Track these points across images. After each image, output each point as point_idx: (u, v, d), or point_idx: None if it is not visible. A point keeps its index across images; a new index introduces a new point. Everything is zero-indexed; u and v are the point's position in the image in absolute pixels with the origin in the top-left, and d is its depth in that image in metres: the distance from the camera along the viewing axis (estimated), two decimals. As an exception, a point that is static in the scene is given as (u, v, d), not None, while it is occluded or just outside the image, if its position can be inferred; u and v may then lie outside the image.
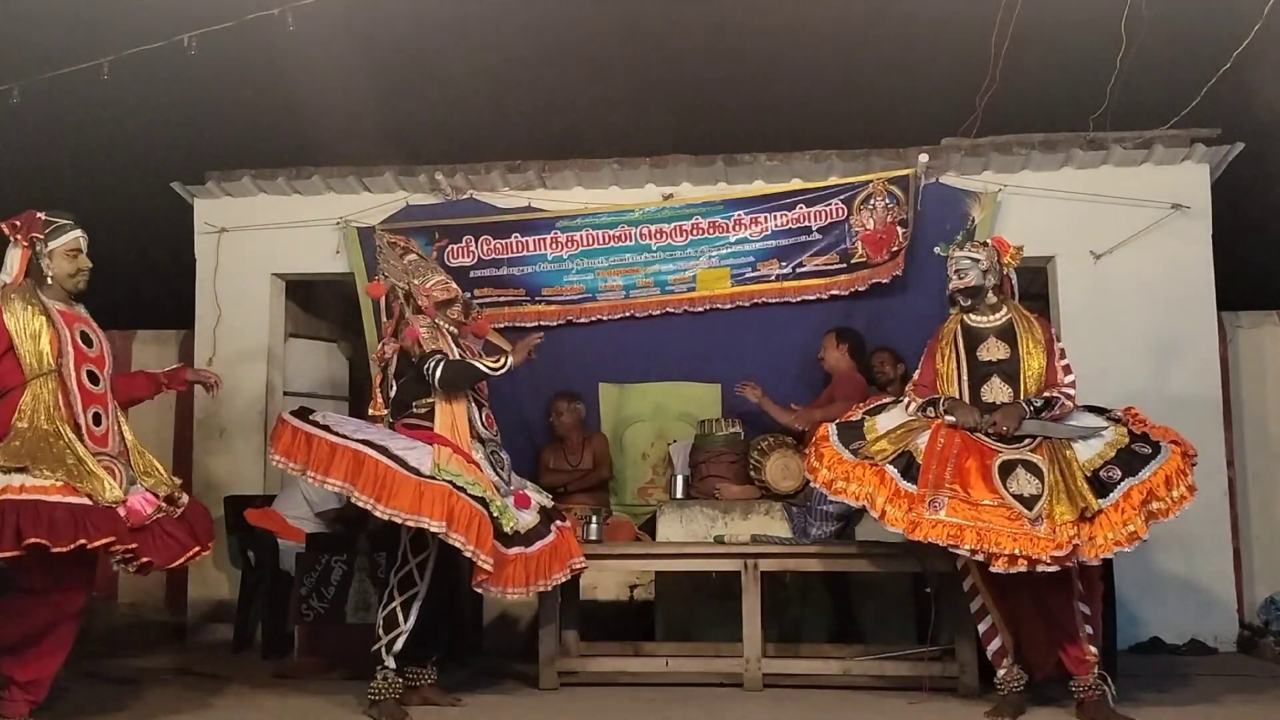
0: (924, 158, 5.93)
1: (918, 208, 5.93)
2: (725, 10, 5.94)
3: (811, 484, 4.63)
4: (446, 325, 4.28)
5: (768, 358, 6.02)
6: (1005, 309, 4.26)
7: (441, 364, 4.06)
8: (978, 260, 4.27)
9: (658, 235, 6.17)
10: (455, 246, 6.25)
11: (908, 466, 4.00)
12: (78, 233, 3.87)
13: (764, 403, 5.53)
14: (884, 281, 5.92)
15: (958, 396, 4.14)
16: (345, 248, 6.31)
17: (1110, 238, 5.93)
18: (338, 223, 6.31)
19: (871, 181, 5.98)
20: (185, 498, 3.91)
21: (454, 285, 4.42)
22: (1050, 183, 6.00)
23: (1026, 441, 3.97)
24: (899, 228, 5.91)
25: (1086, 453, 3.94)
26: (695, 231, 6.14)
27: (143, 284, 7.45)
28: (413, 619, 3.98)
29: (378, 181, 6.36)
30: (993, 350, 4.18)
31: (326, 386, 7.11)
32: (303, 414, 4.11)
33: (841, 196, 6.01)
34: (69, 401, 3.67)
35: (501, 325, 6.16)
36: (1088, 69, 5.43)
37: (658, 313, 6.17)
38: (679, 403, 6.15)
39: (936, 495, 3.83)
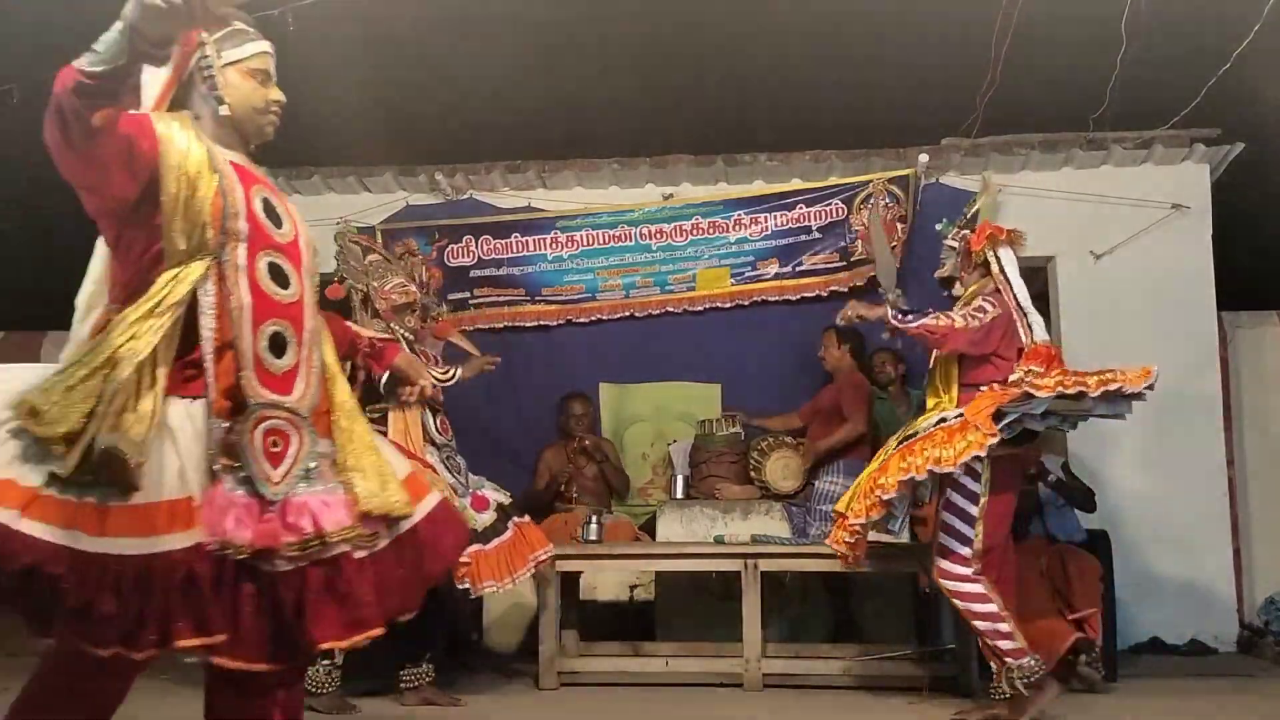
0: (924, 158, 5.93)
1: (918, 208, 5.93)
2: (725, 11, 5.94)
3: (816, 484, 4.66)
4: (402, 330, 4.28)
5: (768, 357, 6.03)
6: (967, 291, 4.17)
7: (388, 372, 4.06)
8: (954, 248, 4.22)
9: (658, 235, 6.17)
10: (455, 246, 6.25)
11: None
12: (266, 45, 2.32)
13: (753, 422, 5.59)
14: (883, 278, 5.92)
15: None
16: None
17: (1110, 238, 5.93)
18: (337, 223, 6.31)
19: (871, 181, 5.99)
20: (416, 517, 2.19)
21: (413, 289, 4.42)
22: (1050, 183, 6.00)
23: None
24: (898, 224, 5.91)
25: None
26: (695, 231, 6.14)
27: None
28: None
29: (378, 181, 6.36)
30: None
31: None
32: None
33: (841, 196, 6.02)
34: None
35: (501, 325, 6.18)
36: (1088, 69, 5.43)
37: (658, 312, 6.18)
38: (679, 403, 6.15)
39: None
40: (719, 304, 6.13)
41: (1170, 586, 5.65)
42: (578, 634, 4.86)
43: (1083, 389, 3.62)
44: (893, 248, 5.90)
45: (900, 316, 3.88)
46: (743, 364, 6.08)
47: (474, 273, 6.24)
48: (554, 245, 6.22)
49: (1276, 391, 6.30)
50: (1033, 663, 3.68)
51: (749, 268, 6.10)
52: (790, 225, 6.06)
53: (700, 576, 4.95)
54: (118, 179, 2.02)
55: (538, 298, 6.22)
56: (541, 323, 6.20)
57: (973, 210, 4.38)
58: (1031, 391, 3.65)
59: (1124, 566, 5.20)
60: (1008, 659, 3.68)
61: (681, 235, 6.15)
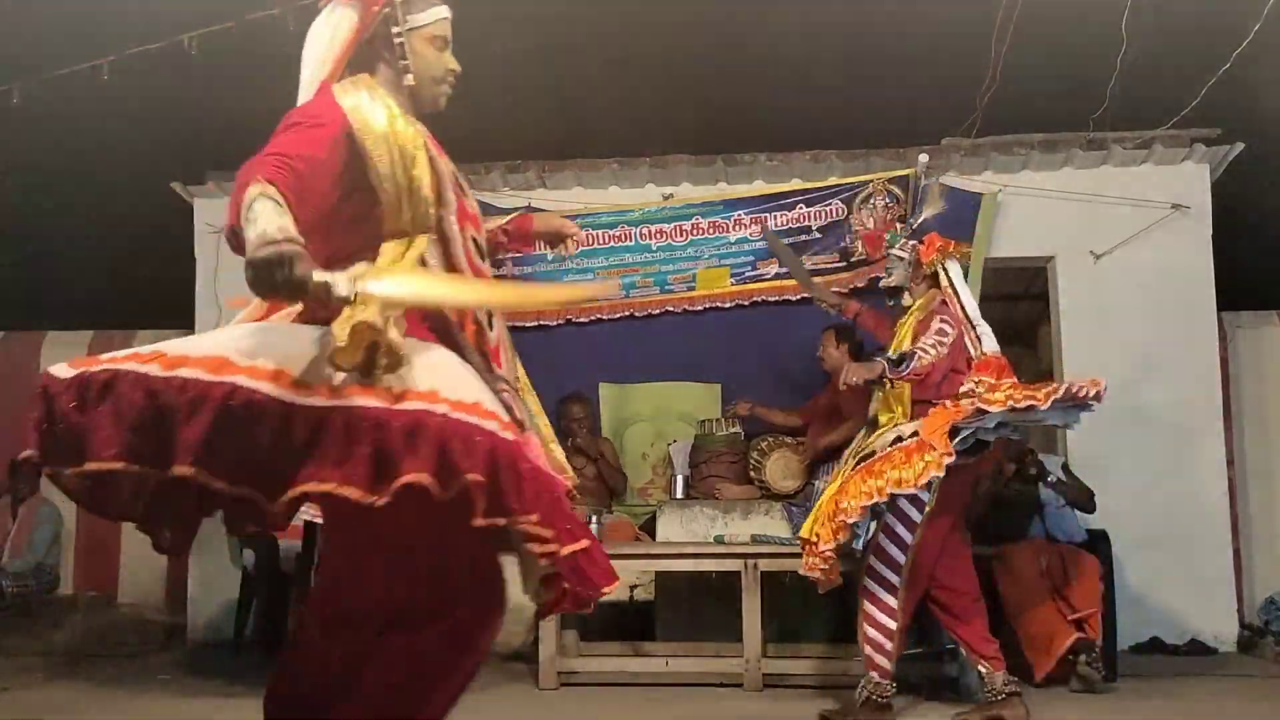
0: (924, 158, 5.93)
1: (918, 207, 5.93)
2: (725, 11, 5.95)
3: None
4: None
5: (768, 357, 6.03)
6: (912, 305, 4.21)
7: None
8: (903, 258, 4.25)
9: (658, 235, 6.17)
10: (455, 246, 6.24)
11: None
12: (446, 10, 2.22)
13: (757, 411, 5.57)
14: (883, 276, 5.91)
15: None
16: None
17: (1110, 238, 5.93)
18: None
19: (871, 181, 5.99)
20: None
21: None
22: (1050, 183, 6.00)
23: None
24: (898, 224, 5.91)
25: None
26: (695, 231, 6.14)
27: (143, 284, 7.45)
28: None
29: (377, 181, 6.36)
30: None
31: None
32: None
33: (841, 196, 6.02)
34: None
35: (501, 325, 6.17)
36: (1088, 69, 5.43)
37: (658, 312, 6.17)
38: (679, 403, 6.14)
39: None
40: (719, 304, 6.13)
41: (1170, 586, 5.64)
42: (578, 634, 4.86)
43: (1033, 402, 3.65)
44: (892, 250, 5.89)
45: (894, 369, 3.87)
46: (743, 364, 6.08)
47: (474, 273, 6.23)
48: (554, 245, 6.21)
49: (1276, 391, 6.29)
50: (887, 685, 3.80)
51: (749, 268, 6.10)
52: (790, 225, 6.06)
53: (700, 576, 4.94)
54: (316, 199, 1.88)
55: (538, 298, 6.21)
56: (541, 323, 6.19)
57: (920, 221, 4.46)
58: (984, 408, 3.69)
59: (1124, 566, 5.20)
60: (873, 671, 3.79)
61: (681, 235, 6.15)
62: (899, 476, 3.66)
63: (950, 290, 4.08)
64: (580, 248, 3.21)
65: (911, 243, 4.28)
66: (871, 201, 5.96)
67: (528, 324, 6.18)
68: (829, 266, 6.01)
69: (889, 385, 3.98)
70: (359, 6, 2.05)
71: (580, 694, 4.43)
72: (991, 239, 6.00)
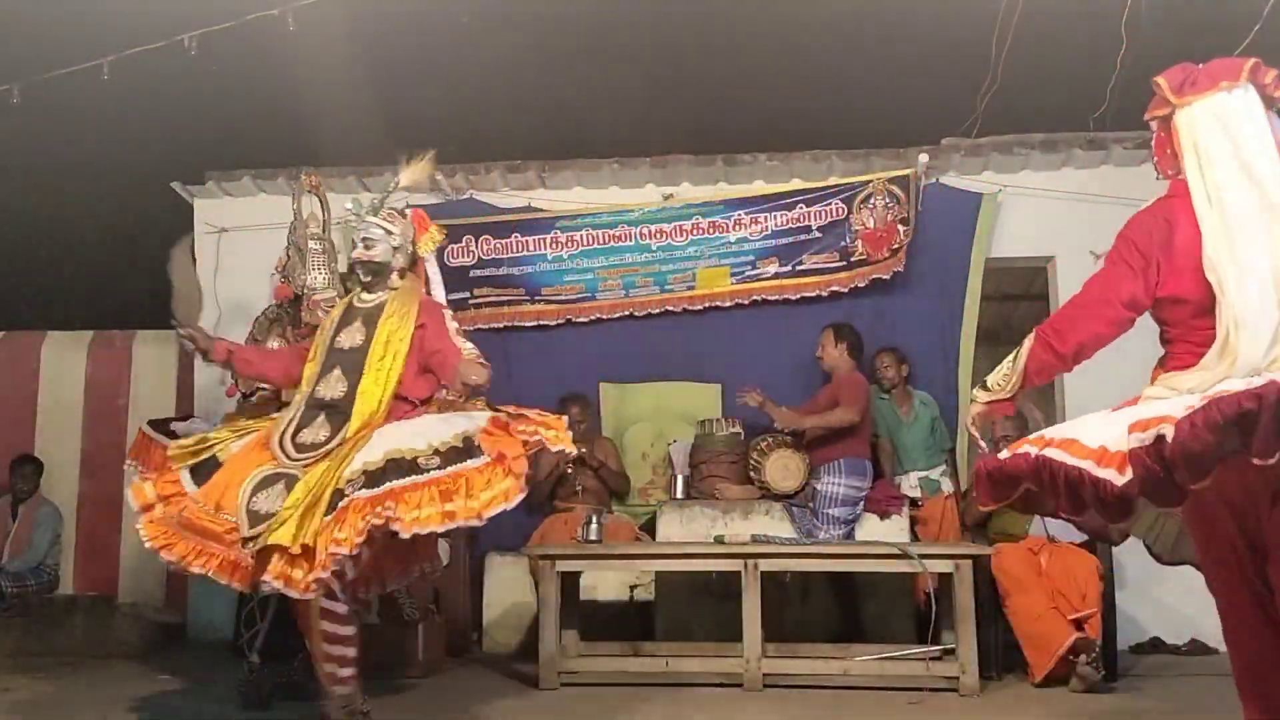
0: (924, 158, 5.93)
1: (919, 208, 5.93)
2: (726, 11, 5.95)
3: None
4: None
5: (768, 357, 6.03)
6: (387, 292, 3.67)
7: None
8: (391, 233, 3.69)
9: (658, 235, 6.17)
10: (455, 246, 6.25)
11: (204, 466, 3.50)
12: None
13: (766, 406, 5.54)
14: (884, 278, 5.92)
15: (309, 392, 3.55)
16: (345, 247, 6.30)
17: (1110, 238, 5.84)
18: (337, 223, 6.30)
19: (871, 181, 5.99)
20: None
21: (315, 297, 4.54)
22: (1050, 183, 6.00)
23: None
24: (900, 225, 5.91)
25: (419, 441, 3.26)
26: (695, 231, 6.14)
27: (143, 284, 7.45)
28: (270, 615, 4.20)
29: (378, 182, 6.35)
30: (351, 337, 3.61)
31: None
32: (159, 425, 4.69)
33: (841, 196, 6.01)
34: None
35: (501, 325, 6.18)
36: (1088, 69, 5.43)
37: (657, 312, 6.17)
38: (679, 403, 6.14)
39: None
40: (719, 304, 6.13)
41: (1170, 586, 5.63)
42: (578, 634, 4.86)
43: None
44: (895, 249, 5.90)
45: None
46: (743, 364, 6.07)
47: (474, 272, 6.24)
48: (554, 245, 6.22)
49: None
50: (356, 696, 3.35)
51: (749, 267, 6.10)
52: (790, 225, 6.06)
53: (700, 576, 4.95)
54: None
55: (538, 298, 6.22)
56: (541, 323, 6.20)
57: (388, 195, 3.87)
58: None
59: (1124, 566, 5.20)
60: (336, 686, 3.33)
61: (681, 235, 6.15)
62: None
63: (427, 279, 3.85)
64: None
65: (403, 215, 3.79)
66: (871, 201, 5.96)
67: (527, 324, 6.18)
68: (829, 266, 6.01)
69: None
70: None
71: (580, 694, 4.42)
72: (991, 239, 6.01)
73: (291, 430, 3.47)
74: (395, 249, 3.71)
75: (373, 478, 3.12)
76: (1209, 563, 2.66)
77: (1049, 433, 2.47)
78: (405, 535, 3.06)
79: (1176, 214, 2.57)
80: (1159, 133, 2.69)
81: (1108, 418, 2.42)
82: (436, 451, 3.17)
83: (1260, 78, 2.47)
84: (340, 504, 3.08)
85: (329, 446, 3.37)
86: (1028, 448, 2.42)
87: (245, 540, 3.18)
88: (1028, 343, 2.71)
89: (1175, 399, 2.31)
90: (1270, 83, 2.48)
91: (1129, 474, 2.16)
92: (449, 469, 3.13)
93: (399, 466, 3.13)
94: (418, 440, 3.22)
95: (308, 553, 3.05)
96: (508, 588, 5.63)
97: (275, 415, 3.71)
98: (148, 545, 3.28)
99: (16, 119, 5.55)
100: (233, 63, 5.57)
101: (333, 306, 3.96)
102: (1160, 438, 2.12)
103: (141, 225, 7.16)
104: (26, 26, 5.64)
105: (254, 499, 3.25)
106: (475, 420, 3.30)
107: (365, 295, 3.72)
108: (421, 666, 4.75)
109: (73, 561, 6.60)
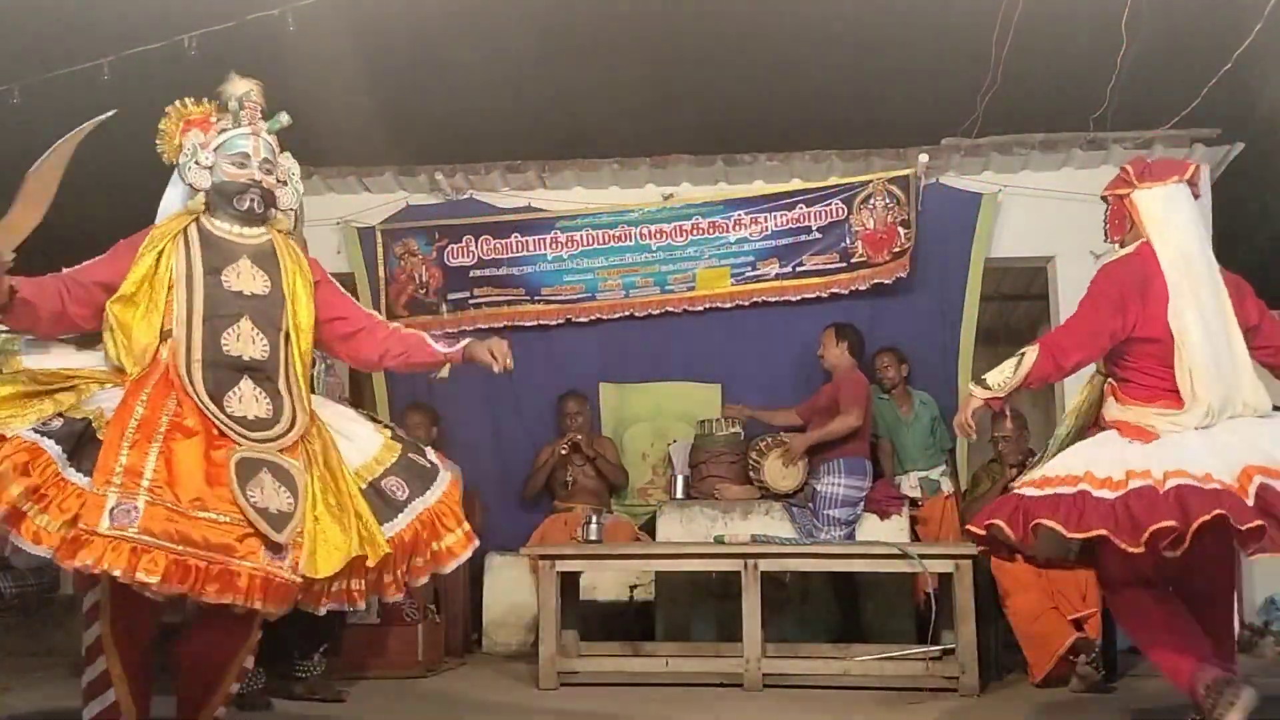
0: (924, 158, 5.93)
1: (919, 208, 5.93)
2: (725, 11, 5.94)
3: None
4: None
5: (768, 357, 6.04)
6: (268, 230, 3.05)
7: None
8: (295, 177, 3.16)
9: (658, 235, 6.17)
10: (455, 246, 6.25)
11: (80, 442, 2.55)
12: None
13: (756, 415, 5.57)
14: (885, 282, 5.92)
15: (190, 336, 2.77)
16: (345, 248, 6.31)
17: (1110, 238, 5.91)
18: (337, 223, 6.31)
19: (871, 181, 5.99)
20: None
21: None
22: (1050, 183, 6.00)
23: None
24: (900, 228, 5.91)
25: (358, 456, 2.89)
26: (695, 231, 6.14)
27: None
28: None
29: (378, 182, 6.36)
30: (247, 280, 2.91)
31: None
32: None
33: (841, 196, 6.01)
34: None
35: (501, 325, 6.18)
36: (1088, 69, 5.42)
37: (658, 312, 6.18)
38: (679, 403, 6.15)
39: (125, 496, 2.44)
40: (719, 304, 6.13)
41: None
42: (578, 634, 4.86)
43: None
44: (897, 253, 5.90)
45: None
46: (743, 364, 6.08)
47: (474, 273, 6.24)
48: (554, 245, 6.22)
49: (1277, 392, 6.27)
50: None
51: (749, 268, 6.10)
52: (790, 225, 6.06)
53: (700, 576, 4.95)
54: None
55: (538, 298, 6.22)
56: (541, 323, 6.20)
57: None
58: None
59: (1124, 566, 5.19)
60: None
61: (681, 235, 6.15)
62: None
63: None
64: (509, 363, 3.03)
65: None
66: (871, 201, 5.96)
67: (527, 324, 6.18)
68: (829, 266, 6.01)
69: None
70: None
71: (580, 694, 4.43)
72: (991, 239, 6.01)
73: (207, 391, 2.68)
74: (298, 195, 3.13)
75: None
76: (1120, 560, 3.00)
77: (1105, 470, 2.94)
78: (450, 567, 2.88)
79: (1150, 268, 3.13)
80: (1114, 206, 3.33)
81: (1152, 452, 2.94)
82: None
83: (1195, 179, 3.27)
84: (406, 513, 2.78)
85: (282, 433, 2.71)
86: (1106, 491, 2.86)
87: (270, 546, 2.49)
88: (1032, 354, 3.14)
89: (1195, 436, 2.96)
90: (1196, 182, 3.27)
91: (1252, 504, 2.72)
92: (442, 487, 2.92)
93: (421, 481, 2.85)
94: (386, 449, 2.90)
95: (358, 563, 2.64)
96: (508, 588, 5.64)
97: (93, 370, 2.76)
98: (146, 580, 2.37)
99: (16, 119, 5.54)
100: (233, 63, 5.56)
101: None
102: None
103: (142, 225, 7.14)
104: (26, 26, 5.64)
105: (250, 493, 2.52)
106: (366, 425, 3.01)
107: (243, 229, 2.97)
108: (421, 666, 4.75)
109: (73, 561, 6.59)
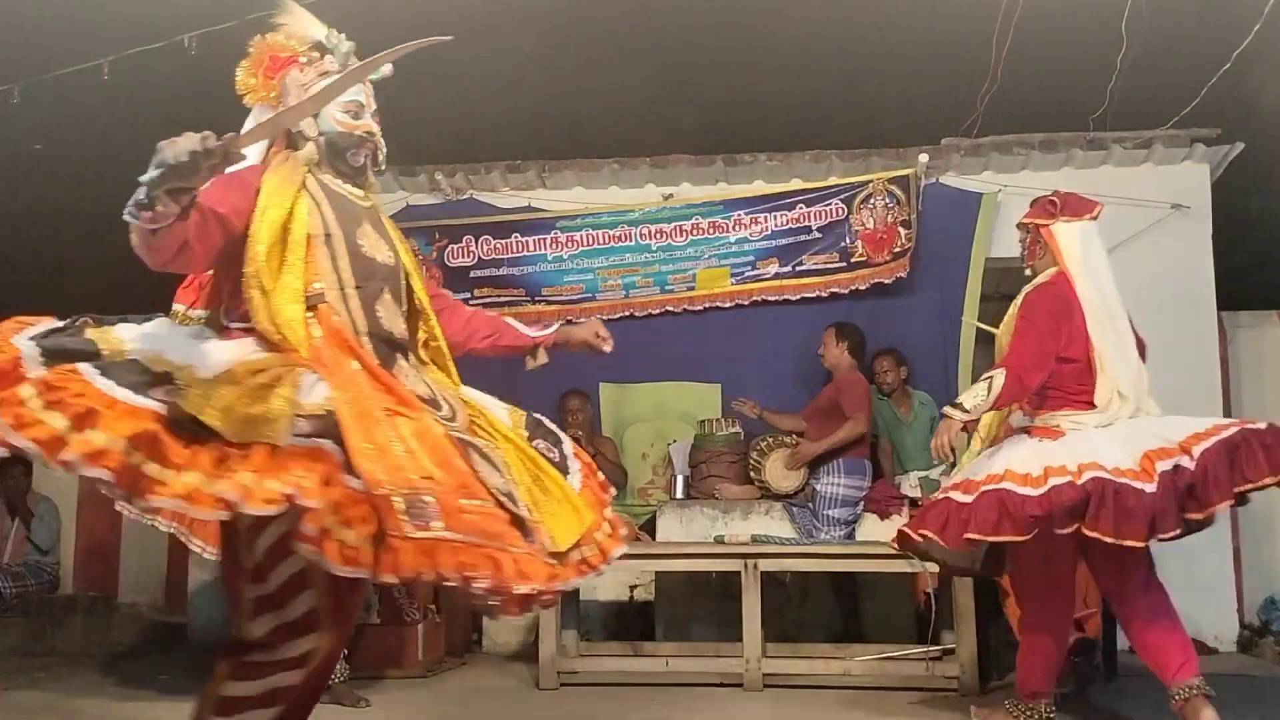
0: (924, 158, 5.93)
1: (919, 208, 5.93)
2: (726, 11, 5.94)
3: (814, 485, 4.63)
4: None
5: (768, 357, 6.04)
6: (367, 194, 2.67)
7: None
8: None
9: (658, 235, 6.17)
10: (455, 246, 6.25)
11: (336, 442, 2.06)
12: None
13: (765, 415, 5.56)
14: (885, 281, 5.92)
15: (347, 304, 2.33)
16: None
17: (1110, 238, 5.86)
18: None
19: (871, 181, 5.99)
20: None
21: None
22: (1050, 183, 5.96)
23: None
24: (900, 228, 5.91)
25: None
26: (695, 231, 6.14)
27: (143, 283, 7.44)
28: None
29: (377, 181, 6.36)
30: (375, 246, 2.50)
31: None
32: None
33: (841, 196, 6.02)
34: None
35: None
36: (1088, 69, 5.43)
37: (658, 312, 6.18)
38: (679, 403, 6.15)
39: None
40: (719, 304, 6.13)
41: (1170, 586, 5.62)
42: (578, 634, 4.86)
43: None
44: (897, 253, 5.90)
45: None
46: (743, 364, 6.08)
47: (474, 273, 6.24)
48: (554, 245, 6.22)
49: (1276, 391, 6.29)
50: None
51: (749, 268, 6.10)
52: (790, 225, 6.06)
53: (700, 576, 4.95)
54: None
55: (538, 298, 6.22)
56: (541, 322, 6.19)
57: None
58: None
59: (1124, 566, 5.19)
60: None
61: (681, 235, 6.15)
62: None
63: None
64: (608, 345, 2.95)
65: None
66: (871, 201, 5.97)
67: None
68: (829, 266, 6.01)
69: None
70: None
71: (580, 694, 4.43)
72: (991, 239, 6.01)
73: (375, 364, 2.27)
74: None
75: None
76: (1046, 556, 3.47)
77: (1040, 465, 3.30)
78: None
79: (1068, 294, 3.50)
80: (1033, 234, 3.66)
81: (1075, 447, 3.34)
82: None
83: (1098, 216, 3.69)
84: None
85: (448, 415, 2.31)
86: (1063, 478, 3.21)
87: (521, 529, 2.13)
88: (1000, 377, 3.37)
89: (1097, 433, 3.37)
90: (1097, 218, 3.68)
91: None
92: None
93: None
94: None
95: None
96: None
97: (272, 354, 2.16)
98: (478, 582, 1.94)
99: (16, 119, 5.54)
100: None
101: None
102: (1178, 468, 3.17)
103: (141, 225, 7.14)
104: (27, 26, 5.64)
105: (483, 475, 2.16)
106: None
107: (352, 189, 2.61)
108: (421, 666, 4.75)
109: (73, 561, 6.60)
